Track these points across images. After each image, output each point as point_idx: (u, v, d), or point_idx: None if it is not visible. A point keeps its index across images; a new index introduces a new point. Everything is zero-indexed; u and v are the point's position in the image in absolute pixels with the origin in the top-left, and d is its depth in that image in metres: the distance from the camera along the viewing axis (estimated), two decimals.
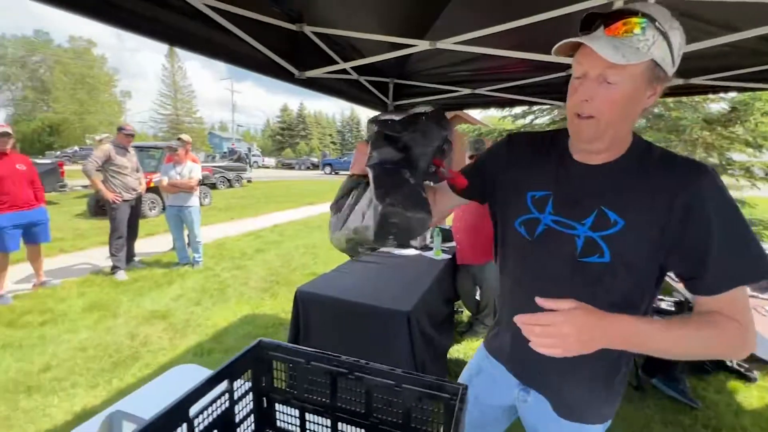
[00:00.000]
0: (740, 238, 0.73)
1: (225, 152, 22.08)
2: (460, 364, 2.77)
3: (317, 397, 0.92)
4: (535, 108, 5.13)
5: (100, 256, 5.35)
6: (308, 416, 0.94)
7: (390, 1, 1.85)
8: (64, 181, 11.09)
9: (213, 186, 14.18)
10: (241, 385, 0.90)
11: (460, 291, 3.20)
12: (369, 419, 0.88)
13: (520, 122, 5.64)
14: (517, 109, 5.26)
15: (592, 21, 0.75)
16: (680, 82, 2.56)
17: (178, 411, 0.72)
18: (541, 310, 0.73)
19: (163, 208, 8.67)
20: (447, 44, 1.80)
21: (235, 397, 0.88)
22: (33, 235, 3.80)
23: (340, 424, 0.91)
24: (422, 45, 1.85)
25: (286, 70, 2.05)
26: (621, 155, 0.83)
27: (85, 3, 1.17)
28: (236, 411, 0.89)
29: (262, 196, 13.51)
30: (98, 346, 2.95)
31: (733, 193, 4.05)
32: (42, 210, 3.84)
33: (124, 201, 4.45)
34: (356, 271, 2.65)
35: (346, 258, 3.14)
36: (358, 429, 0.90)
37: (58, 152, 30.31)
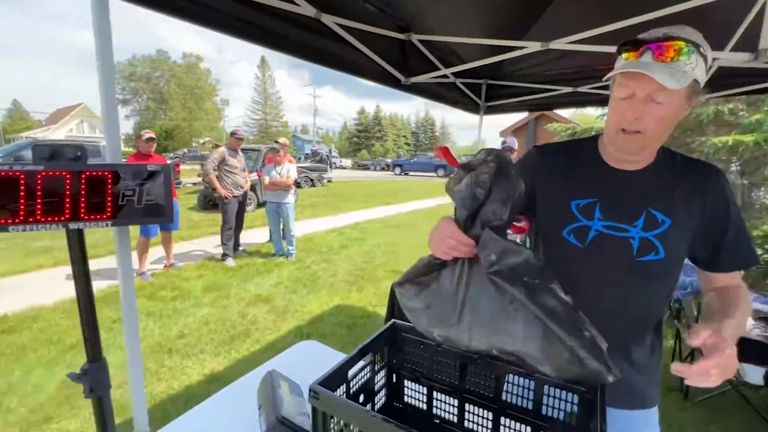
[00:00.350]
0: (745, 229, 0.91)
1: (307, 154, 23.64)
2: None
3: (445, 377, 1.00)
4: None
5: (210, 244, 6.14)
6: (436, 394, 1.03)
7: (491, 6, 1.88)
8: (180, 179, 12.83)
9: (298, 185, 15.27)
10: (379, 360, 1.02)
11: None
12: (497, 403, 0.94)
13: None
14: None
15: (635, 45, 0.80)
16: None
17: (341, 373, 0.86)
18: (601, 314, 0.79)
19: (258, 205, 9.66)
20: (560, 44, 1.77)
21: (375, 368, 1.01)
22: (167, 224, 4.53)
23: (467, 404, 0.98)
24: (533, 46, 1.85)
25: (394, 76, 2.18)
26: (652, 162, 0.91)
27: (235, 26, 1.39)
28: (375, 381, 1.02)
29: (341, 195, 14.21)
30: (217, 321, 3.43)
31: None
32: (175, 203, 4.55)
33: (234, 197, 5.05)
34: None
35: None
36: (485, 411, 0.96)
37: (171, 154, 35.20)
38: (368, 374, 0.99)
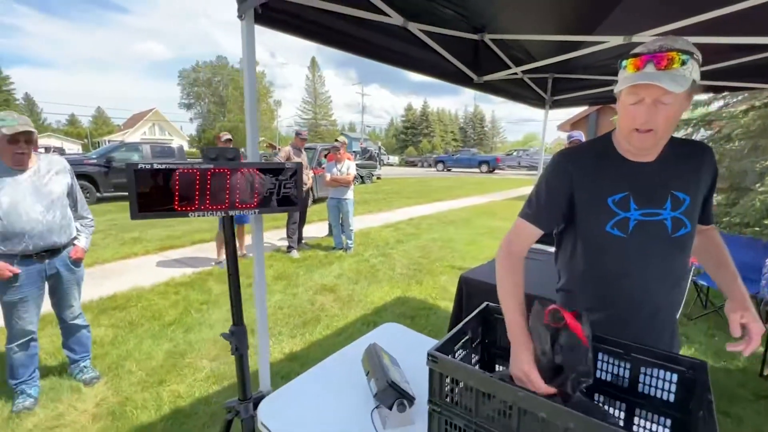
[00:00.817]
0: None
1: (357, 151, 24.18)
2: None
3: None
4: (725, 94, 4.32)
5: (275, 237, 6.58)
6: None
7: (562, 3, 1.89)
8: None
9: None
10: (475, 337, 1.14)
11: None
12: (626, 392, 1.00)
13: (700, 111, 4.80)
14: (700, 96, 4.51)
15: (636, 58, 0.94)
16: None
17: (448, 344, 0.99)
18: (649, 286, 1.06)
19: (313, 201, 10.14)
20: (644, 37, 1.75)
21: (473, 345, 1.12)
22: (240, 217, 4.95)
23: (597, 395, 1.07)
24: (614, 40, 1.84)
25: (468, 75, 2.27)
26: (662, 151, 1.05)
27: (318, 32, 1.54)
28: (472, 357, 1.13)
29: (392, 191, 14.42)
30: (290, 307, 3.72)
31: None
32: None
33: None
34: None
35: (484, 253, 3.27)
36: (617, 403, 1.04)
37: None
38: (467, 350, 1.10)
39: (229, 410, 1.23)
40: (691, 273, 3.05)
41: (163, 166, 0.97)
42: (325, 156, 8.54)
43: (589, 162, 1.10)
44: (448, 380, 0.90)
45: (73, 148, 41.39)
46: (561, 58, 2.22)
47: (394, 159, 41.92)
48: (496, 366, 1.20)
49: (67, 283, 2.27)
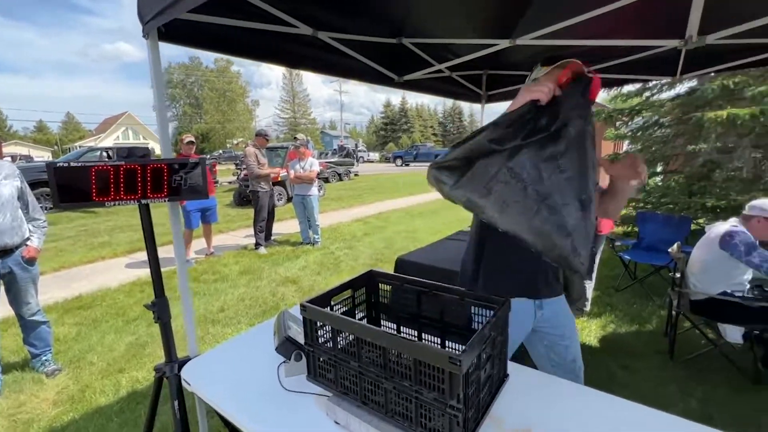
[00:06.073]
0: None
1: (335, 149, 24.29)
2: None
3: (408, 310, 1.34)
4: (652, 84, 4.69)
5: (245, 235, 6.72)
6: (402, 327, 1.37)
7: (477, 7, 2.13)
8: (217, 178, 13.68)
9: (326, 180, 15.84)
10: (360, 295, 1.37)
11: None
12: (442, 324, 1.26)
13: (636, 100, 5.17)
14: (629, 87, 4.89)
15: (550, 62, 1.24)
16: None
17: (325, 298, 1.22)
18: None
19: (288, 199, 10.27)
20: (525, 40, 2.01)
21: (356, 302, 1.36)
22: (207, 217, 5.10)
23: (423, 332, 1.32)
24: (503, 43, 2.10)
25: (388, 76, 2.49)
26: None
27: (225, 45, 1.74)
28: (356, 312, 1.37)
29: (368, 187, 14.64)
30: (252, 298, 3.92)
31: None
32: (213, 198, 5.13)
33: (266, 191, 5.54)
34: (449, 246, 3.01)
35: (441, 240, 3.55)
36: (434, 333, 1.29)
37: (208, 156, 37.11)
38: (350, 304, 1.34)
39: (157, 371, 1.44)
40: (602, 243, 3.33)
41: (80, 164, 1.17)
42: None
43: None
44: (318, 325, 1.13)
45: (44, 155, 40.05)
46: (475, 55, 2.43)
47: (375, 155, 42.10)
48: (381, 321, 1.44)
49: (22, 281, 2.41)
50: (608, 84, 3.65)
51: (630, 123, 5.01)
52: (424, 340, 1.32)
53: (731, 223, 2.47)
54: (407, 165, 30.23)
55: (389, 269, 4.72)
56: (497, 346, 1.08)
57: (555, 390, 1.20)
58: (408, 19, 2.24)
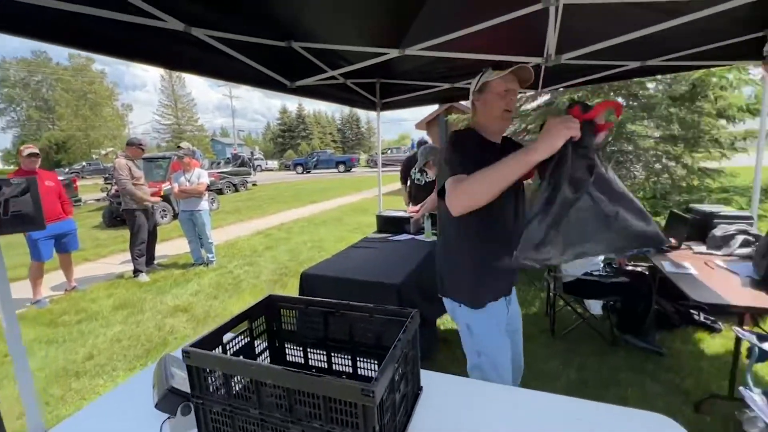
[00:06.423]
0: None
1: (228, 158, 22.55)
2: (455, 333, 3.09)
3: (315, 333, 1.24)
4: (518, 96, 5.37)
5: (120, 262, 5.74)
6: (310, 350, 1.26)
7: (365, 17, 2.13)
8: (78, 196, 11.53)
9: (220, 191, 14.61)
10: (259, 325, 1.22)
11: None
12: (352, 344, 1.19)
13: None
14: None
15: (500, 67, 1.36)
16: (637, 64, 2.83)
17: (216, 336, 1.04)
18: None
19: (174, 215, 9.12)
20: (413, 51, 2.08)
21: (255, 333, 1.20)
22: (64, 244, 4.19)
23: (333, 356, 1.23)
24: (393, 53, 2.14)
25: (280, 81, 2.35)
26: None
27: (87, 40, 1.45)
28: (255, 345, 1.21)
29: (267, 197, 13.89)
30: (131, 337, 3.32)
31: (711, 164, 4.25)
32: (70, 221, 4.22)
33: (143, 210, 4.79)
34: (355, 255, 2.96)
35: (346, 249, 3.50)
36: (345, 354, 1.21)
37: (67, 169, 31.07)
38: (247, 338, 1.18)
39: None
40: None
41: None
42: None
43: (477, 140, 1.41)
44: (207, 371, 0.96)
45: None
46: (368, 63, 2.44)
47: (274, 164, 40.40)
48: (286, 349, 1.31)
49: None
50: None
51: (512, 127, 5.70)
52: (334, 364, 1.23)
53: None
54: (308, 172, 29.82)
55: (296, 283, 4.48)
56: (410, 361, 1.06)
57: (465, 390, 1.22)
58: (297, 23, 2.14)
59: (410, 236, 3.41)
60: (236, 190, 16.12)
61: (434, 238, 3.35)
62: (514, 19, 1.81)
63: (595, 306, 2.94)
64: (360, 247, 3.17)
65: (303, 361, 1.27)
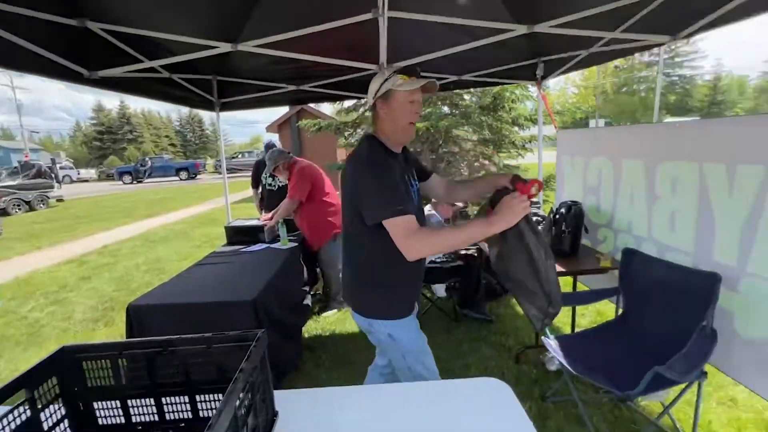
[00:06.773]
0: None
1: (15, 167, 17.13)
2: (319, 338, 3.04)
3: (138, 382, 1.00)
4: (363, 101, 5.66)
5: None
6: (130, 403, 1.01)
7: (195, 6, 1.86)
8: None
9: (3, 212, 11.07)
10: (46, 392, 0.92)
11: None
12: (189, 384, 1.01)
13: (354, 114, 6.16)
14: (348, 103, 5.75)
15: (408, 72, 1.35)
16: (455, 78, 3.30)
17: None
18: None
19: None
20: (248, 47, 1.93)
21: (39, 405, 0.90)
22: None
23: (164, 399, 1.02)
24: (224, 47, 1.94)
25: (72, 70, 1.86)
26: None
27: None
28: (43, 418, 0.91)
29: (81, 215, 11.16)
30: None
31: (511, 161, 5.36)
32: None
33: None
34: (199, 274, 2.60)
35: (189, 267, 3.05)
36: (181, 397, 1.02)
37: None
38: (27, 412, 0.87)
39: None
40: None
41: None
42: None
43: (387, 157, 1.37)
44: None
45: None
46: (203, 54, 2.14)
47: (91, 173, 32.87)
48: (97, 412, 1.03)
49: None
50: (332, 98, 4.14)
51: (354, 134, 5.95)
52: (167, 413, 1.02)
53: (428, 209, 3.28)
54: (140, 182, 25.14)
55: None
56: (259, 388, 0.95)
57: (320, 401, 1.18)
58: None
59: (265, 245, 3.21)
60: (31, 209, 12.48)
61: (291, 244, 3.22)
62: (350, 25, 1.86)
63: (439, 289, 3.32)
64: (206, 263, 2.81)
65: (123, 420, 1.02)
